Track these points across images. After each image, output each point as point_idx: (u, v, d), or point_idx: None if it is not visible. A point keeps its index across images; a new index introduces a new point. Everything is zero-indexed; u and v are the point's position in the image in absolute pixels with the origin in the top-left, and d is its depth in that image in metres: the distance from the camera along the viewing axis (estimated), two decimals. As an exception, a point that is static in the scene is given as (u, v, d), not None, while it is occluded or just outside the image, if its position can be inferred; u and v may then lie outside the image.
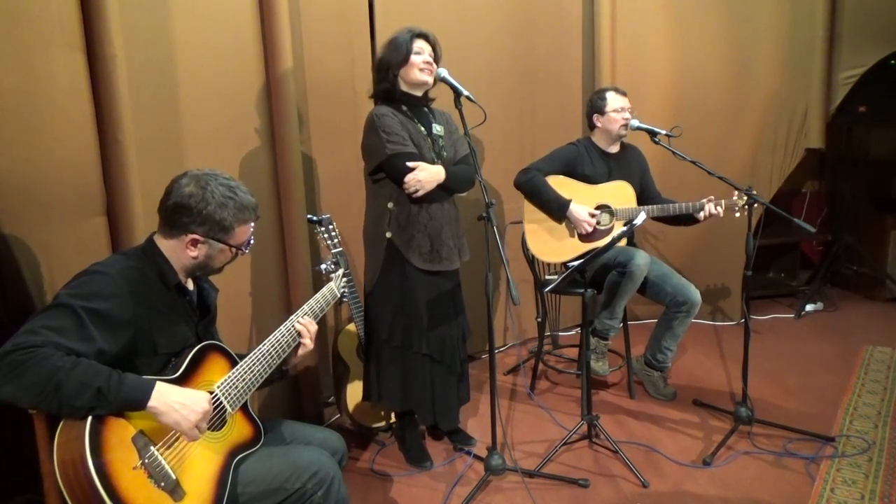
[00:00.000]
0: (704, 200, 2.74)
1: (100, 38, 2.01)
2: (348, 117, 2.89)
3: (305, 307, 1.81)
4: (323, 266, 2.13)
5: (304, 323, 1.75)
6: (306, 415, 2.82)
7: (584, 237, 2.88)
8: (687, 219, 2.86)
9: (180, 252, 1.56)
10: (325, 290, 1.92)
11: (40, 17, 1.89)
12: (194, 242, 1.54)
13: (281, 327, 1.71)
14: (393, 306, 2.38)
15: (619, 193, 2.90)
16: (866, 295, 4.42)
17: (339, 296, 1.98)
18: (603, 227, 2.88)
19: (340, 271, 2.07)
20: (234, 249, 1.60)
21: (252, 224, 1.63)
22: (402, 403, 2.46)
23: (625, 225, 2.84)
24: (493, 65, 3.39)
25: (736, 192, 2.64)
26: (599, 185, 2.91)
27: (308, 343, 1.76)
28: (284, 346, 1.70)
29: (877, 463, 2.40)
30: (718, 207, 2.72)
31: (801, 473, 2.36)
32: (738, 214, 2.66)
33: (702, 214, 2.75)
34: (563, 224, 2.90)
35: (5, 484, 1.82)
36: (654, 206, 2.85)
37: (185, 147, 2.36)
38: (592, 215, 2.84)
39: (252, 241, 1.66)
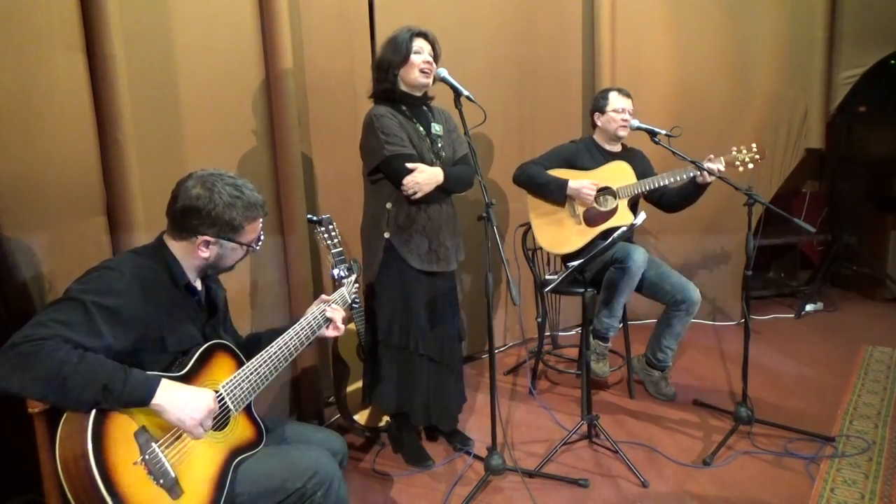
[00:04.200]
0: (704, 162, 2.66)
1: (100, 38, 2.01)
2: (348, 117, 2.89)
3: (315, 310, 1.80)
4: (335, 271, 2.11)
5: (332, 309, 1.82)
6: (306, 415, 2.82)
7: (591, 222, 2.86)
8: (692, 190, 2.79)
9: (191, 253, 1.57)
10: (335, 295, 1.91)
11: (40, 17, 1.89)
12: (206, 244, 1.55)
13: (290, 330, 1.71)
14: (390, 306, 2.38)
15: (618, 173, 2.89)
16: (866, 295, 4.42)
17: (349, 302, 1.97)
18: (607, 210, 2.87)
19: (353, 277, 2.06)
20: (245, 247, 1.62)
21: (261, 220, 1.64)
22: (395, 405, 2.46)
23: (624, 224, 2.85)
24: (493, 65, 3.39)
25: (734, 149, 2.61)
26: (597, 169, 2.91)
27: (336, 330, 1.82)
28: (293, 349, 1.69)
29: (877, 463, 2.40)
30: (717, 165, 2.67)
31: (801, 473, 2.36)
32: (741, 169, 2.62)
33: (704, 173, 2.66)
34: (568, 212, 2.89)
35: (5, 484, 1.82)
36: (651, 178, 2.80)
37: (185, 147, 2.36)
38: (597, 191, 2.83)
39: (262, 238, 1.67)
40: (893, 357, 3.39)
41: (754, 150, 2.56)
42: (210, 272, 1.66)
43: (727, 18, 3.74)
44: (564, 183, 2.83)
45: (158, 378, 1.37)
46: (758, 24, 3.72)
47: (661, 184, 2.81)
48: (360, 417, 2.67)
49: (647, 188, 2.81)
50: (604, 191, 2.88)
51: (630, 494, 2.29)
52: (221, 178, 1.56)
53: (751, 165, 2.60)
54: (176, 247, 1.57)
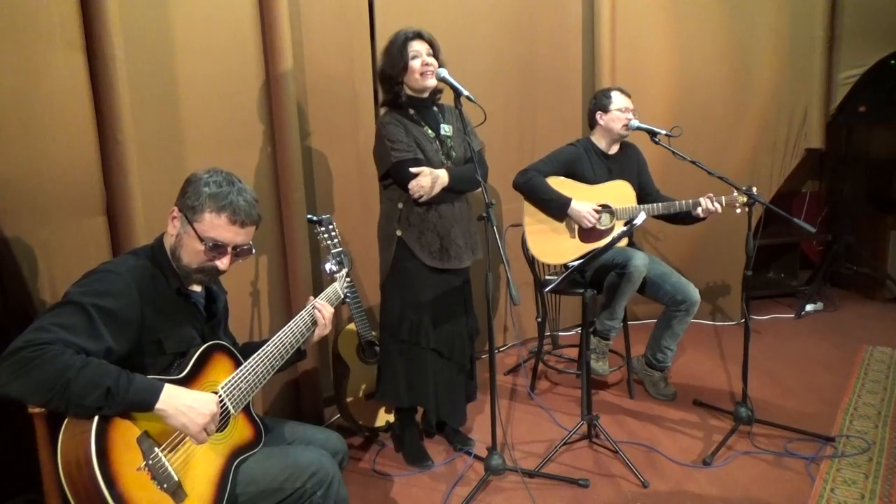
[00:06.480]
0: (702, 198, 2.73)
1: (100, 38, 2.01)
2: (348, 117, 2.89)
3: (310, 307, 1.80)
4: (327, 266, 2.13)
5: (318, 307, 1.80)
6: (306, 415, 2.82)
7: (585, 238, 2.88)
8: (686, 217, 2.85)
9: (169, 233, 1.56)
10: (328, 290, 1.92)
11: (40, 17, 1.89)
12: (173, 217, 1.54)
13: (285, 328, 1.71)
14: (402, 302, 2.41)
15: (619, 193, 2.90)
16: (866, 295, 4.41)
17: (341, 296, 1.98)
18: (604, 227, 2.88)
19: (344, 271, 2.08)
20: (201, 242, 1.50)
21: (232, 227, 1.51)
22: (405, 399, 2.46)
23: (625, 225, 2.84)
24: (493, 65, 3.39)
25: (735, 191, 2.64)
26: (599, 185, 2.91)
27: (325, 328, 1.82)
28: (288, 346, 1.69)
29: (877, 463, 2.40)
30: (717, 204, 2.71)
31: (801, 473, 2.36)
32: (738, 211, 2.64)
33: (699, 210, 2.74)
34: (564, 224, 2.89)
35: (5, 484, 1.82)
36: (654, 204, 2.84)
37: (185, 147, 2.36)
38: (597, 211, 2.84)
39: (221, 244, 1.52)
40: (893, 357, 3.39)
41: (754, 193, 2.57)
42: (184, 274, 1.55)
43: (727, 18, 3.73)
44: (567, 203, 2.82)
45: (162, 383, 1.36)
46: (758, 24, 3.72)
47: (661, 212, 2.83)
48: (360, 417, 2.67)
49: (647, 214, 2.80)
50: (603, 208, 2.88)
51: (630, 494, 2.29)
52: (231, 176, 1.56)
53: (747, 209, 2.60)
54: (166, 237, 1.57)
